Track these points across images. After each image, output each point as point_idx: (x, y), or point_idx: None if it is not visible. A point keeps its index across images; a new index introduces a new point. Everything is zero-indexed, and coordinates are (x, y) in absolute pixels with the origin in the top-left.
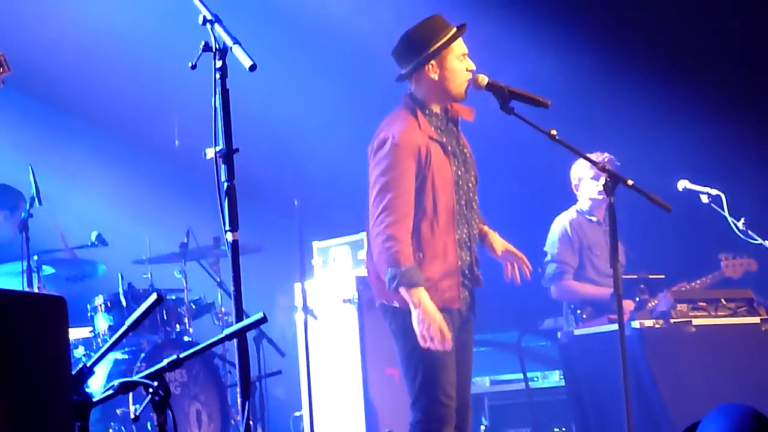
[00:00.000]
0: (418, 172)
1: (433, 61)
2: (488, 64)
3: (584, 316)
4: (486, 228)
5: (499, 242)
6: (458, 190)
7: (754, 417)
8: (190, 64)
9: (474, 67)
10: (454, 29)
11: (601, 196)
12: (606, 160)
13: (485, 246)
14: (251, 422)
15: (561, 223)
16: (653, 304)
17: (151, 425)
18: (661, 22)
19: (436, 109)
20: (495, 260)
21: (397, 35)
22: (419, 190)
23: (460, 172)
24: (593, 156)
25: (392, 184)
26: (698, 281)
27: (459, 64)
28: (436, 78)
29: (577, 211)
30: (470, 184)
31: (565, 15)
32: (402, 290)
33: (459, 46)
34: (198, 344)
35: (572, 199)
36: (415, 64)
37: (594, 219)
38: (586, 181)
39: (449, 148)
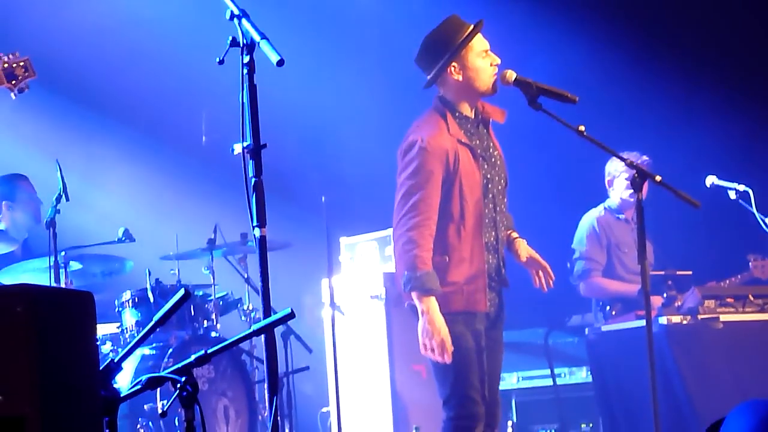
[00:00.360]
0: (445, 177)
1: (454, 63)
2: (515, 58)
3: (613, 312)
4: (514, 234)
5: (524, 249)
6: (486, 194)
7: None
8: (217, 60)
9: (499, 61)
10: (471, 27)
11: (632, 199)
12: (643, 162)
13: (511, 252)
14: (279, 418)
15: (589, 220)
16: (681, 300)
17: (178, 421)
18: (690, 17)
19: (466, 111)
20: (520, 264)
21: (429, 28)
22: (446, 195)
23: (489, 176)
24: (630, 155)
25: (418, 188)
26: (726, 281)
27: (482, 61)
28: (461, 79)
29: (605, 208)
30: (499, 187)
31: (593, 10)
32: (414, 295)
33: (479, 43)
34: (225, 340)
35: (599, 196)
36: (438, 69)
37: (622, 217)
38: (620, 180)
39: (478, 151)
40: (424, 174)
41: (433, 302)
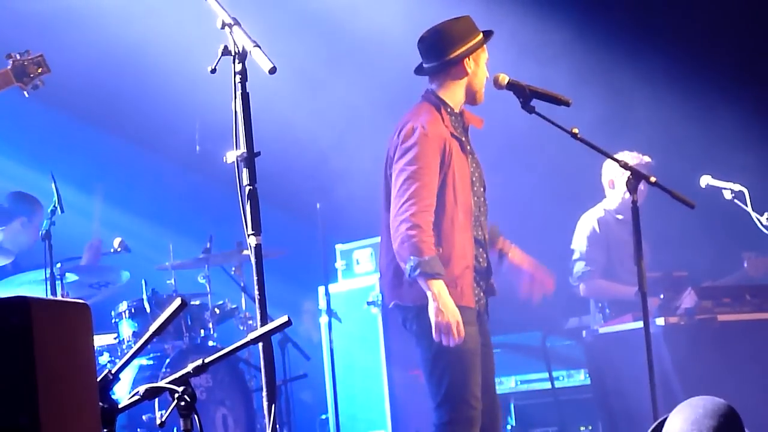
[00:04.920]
0: (440, 165)
1: (470, 56)
2: (508, 60)
3: (613, 314)
4: (503, 240)
5: (520, 254)
6: (475, 190)
7: (720, 414)
8: (209, 69)
9: (488, 76)
10: (481, 33)
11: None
12: (645, 163)
13: (505, 259)
14: (277, 426)
15: (589, 221)
16: (678, 301)
17: (177, 431)
18: (685, 16)
19: (456, 108)
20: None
21: (418, 35)
22: (441, 185)
23: (476, 174)
24: (631, 156)
25: (419, 174)
26: (722, 282)
27: (484, 67)
28: (470, 71)
29: (604, 209)
30: (481, 189)
31: (588, 8)
32: (421, 281)
33: (486, 51)
34: (222, 349)
35: (594, 196)
36: (458, 56)
37: (621, 217)
38: (622, 180)
39: (467, 147)
40: (425, 160)
41: (442, 285)
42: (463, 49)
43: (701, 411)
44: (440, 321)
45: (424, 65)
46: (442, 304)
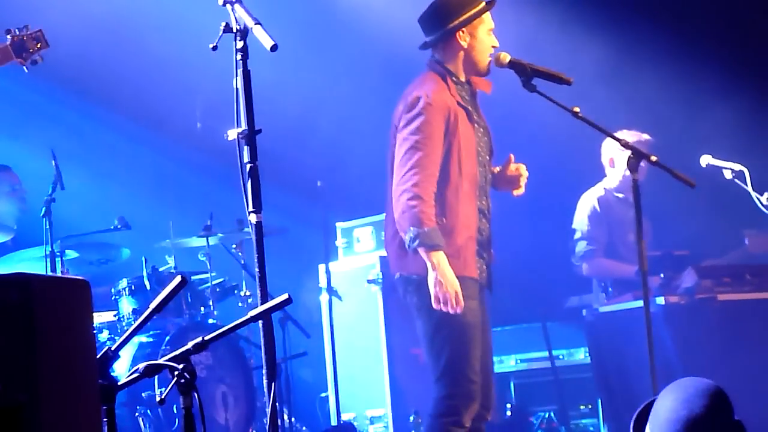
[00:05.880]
0: (445, 135)
1: (464, 29)
2: (511, 40)
3: (616, 293)
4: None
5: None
6: (480, 160)
7: (711, 394)
8: (210, 46)
9: (497, 44)
10: (484, 2)
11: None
12: (645, 141)
13: (499, 177)
14: (277, 404)
15: (589, 200)
16: (679, 280)
17: (177, 408)
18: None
19: (461, 76)
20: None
21: (420, 10)
22: (445, 154)
23: (482, 142)
24: (630, 134)
25: (422, 143)
26: (724, 259)
27: (487, 37)
28: (465, 45)
29: (605, 188)
30: (487, 157)
31: None
32: (421, 251)
33: (488, 20)
34: (223, 327)
35: (594, 176)
36: (449, 29)
37: (621, 196)
38: (622, 159)
39: (474, 116)
40: (429, 130)
41: (442, 256)
42: (456, 22)
43: (692, 391)
44: (439, 291)
45: (425, 39)
46: (441, 274)
